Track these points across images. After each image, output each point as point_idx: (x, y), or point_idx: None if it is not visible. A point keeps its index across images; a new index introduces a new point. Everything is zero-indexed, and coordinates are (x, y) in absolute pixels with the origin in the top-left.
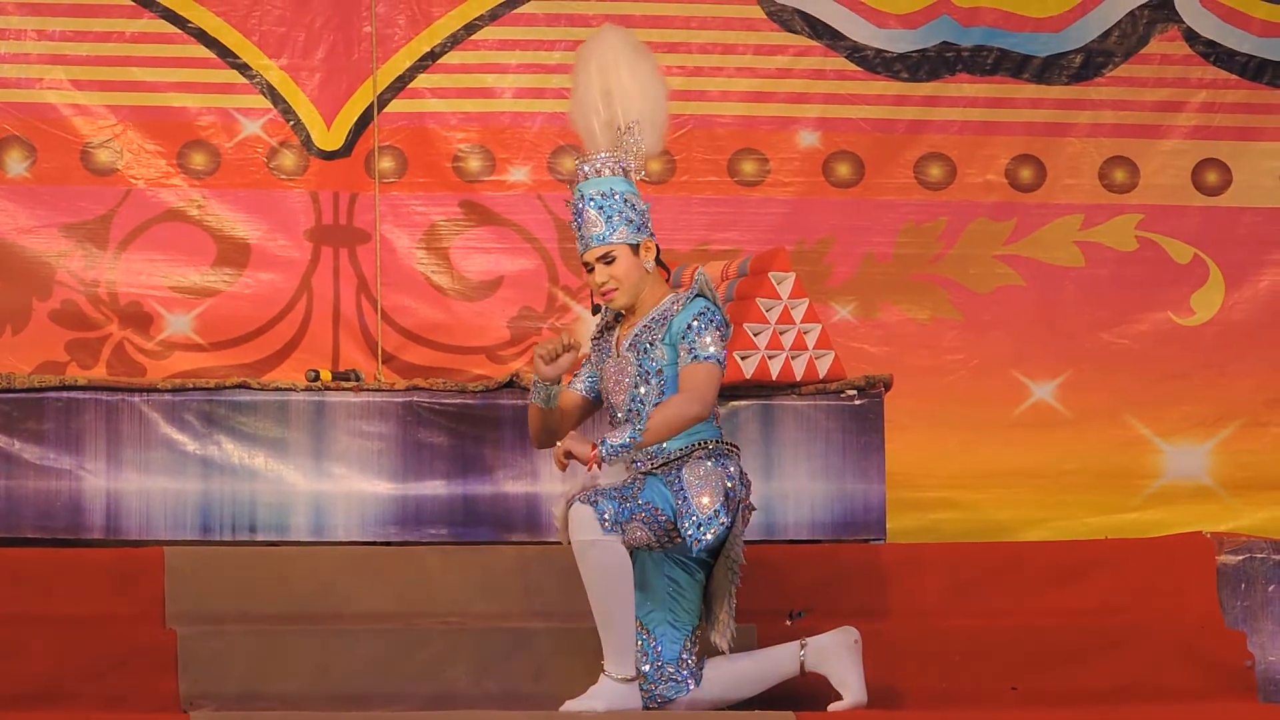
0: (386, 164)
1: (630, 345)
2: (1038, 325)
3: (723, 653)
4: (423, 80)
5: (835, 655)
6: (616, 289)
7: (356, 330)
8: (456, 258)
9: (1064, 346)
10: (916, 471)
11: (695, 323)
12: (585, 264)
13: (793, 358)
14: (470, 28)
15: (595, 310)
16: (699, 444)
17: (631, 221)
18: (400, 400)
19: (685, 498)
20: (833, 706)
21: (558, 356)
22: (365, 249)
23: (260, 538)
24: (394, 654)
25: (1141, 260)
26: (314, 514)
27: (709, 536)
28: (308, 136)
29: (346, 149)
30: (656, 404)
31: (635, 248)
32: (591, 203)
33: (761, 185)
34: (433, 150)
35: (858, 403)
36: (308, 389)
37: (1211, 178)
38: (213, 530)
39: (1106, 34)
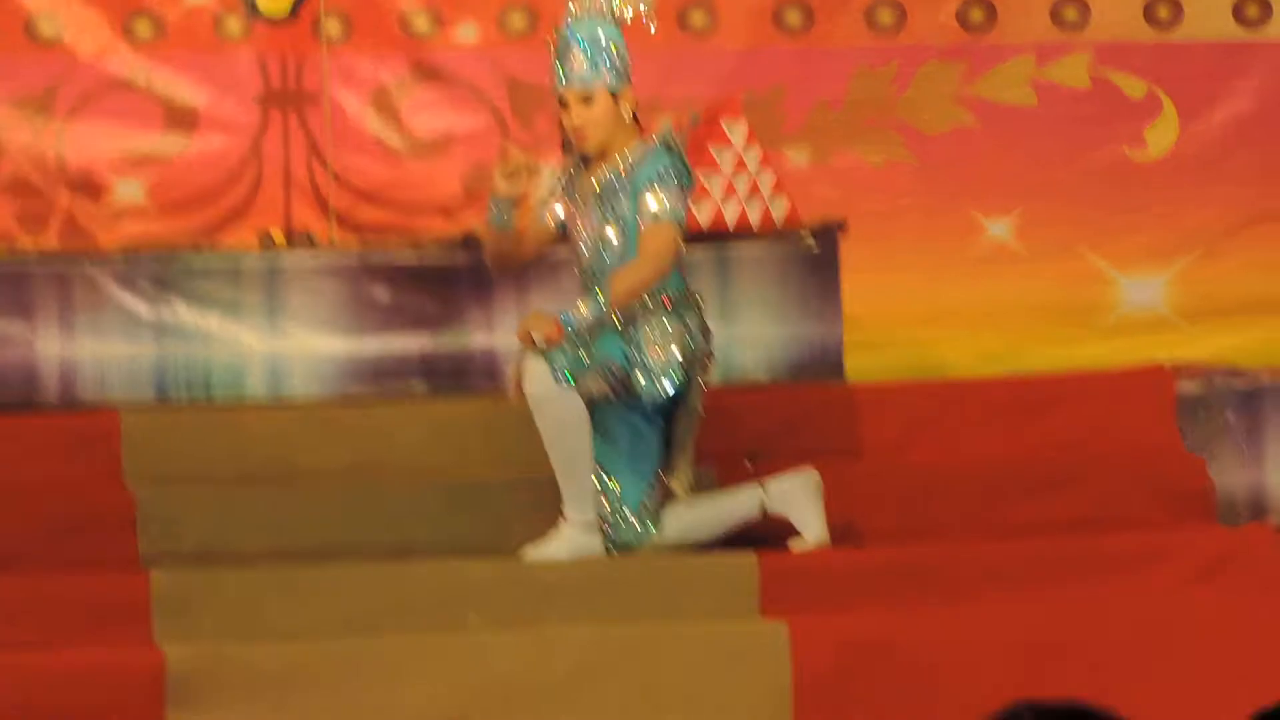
0: (333, 26)
1: (595, 197)
2: (992, 165)
3: (682, 497)
4: None
5: (796, 497)
6: (589, 133)
7: (308, 192)
8: (407, 117)
9: (1018, 185)
10: (873, 313)
11: (656, 180)
12: (561, 99)
13: (747, 204)
14: None
15: (564, 148)
16: (658, 295)
17: (616, 69)
18: (354, 259)
19: (641, 351)
20: (794, 546)
21: (515, 174)
22: (314, 111)
23: (217, 399)
24: (353, 508)
25: (1095, 97)
26: (270, 375)
27: (664, 391)
28: (253, 1)
29: (293, 11)
30: (619, 261)
31: (615, 96)
32: (579, 41)
33: (711, 36)
34: (379, 10)
35: (812, 247)
36: (261, 251)
37: (1163, 12)
38: (168, 393)
39: None
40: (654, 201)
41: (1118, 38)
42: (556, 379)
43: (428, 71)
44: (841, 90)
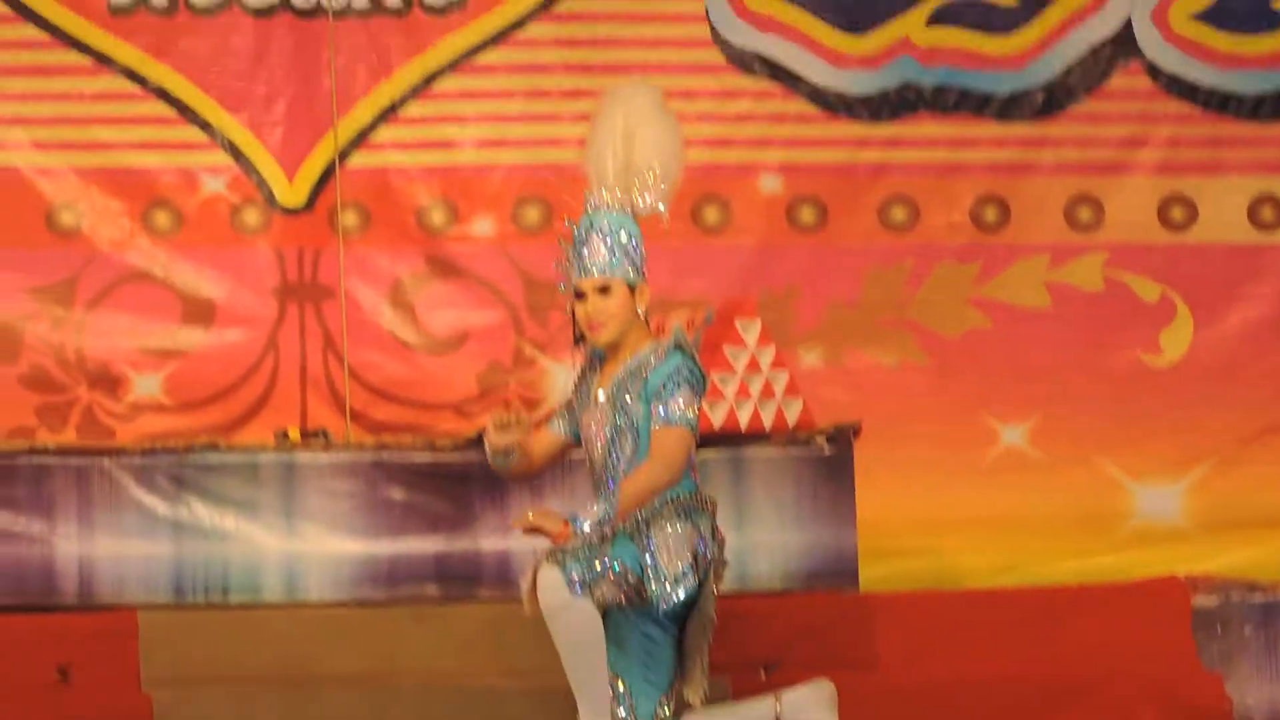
0: (350, 219)
1: (607, 397)
2: (1006, 368)
3: (696, 708)
4: (384, 133)
5: (811, 709)
6: (604, 324)
7: (324, 388)
8: (422, 312)
9: (1033, 389)
10: (888, 519)
11: (668, 382)
12: (577, 291)
13: (761, 406)
14: (429, 78)
15: (578, 340)
16: (670, 500)
17: (634, 263)
18: (369, 458)
19: (653, 556)
20: None
21: (508, 426)
22: (331, 305)
23: (233, 599)
24: (368, 713)
25: (1109, 300)
26: (286, 575)
27: (677, 597)
28: (270, 193)
29: (309, 204)
30: (630, 463)
31: (632, 289)
32: (599, 231)
33: (725, 232)
34: (396, 204)
35: (827, 452)
36: (277, 449)
37: (1177, 213)
38: (186, 593)
39: (1068, 70)
40: (666, 405)
41: (1131, 239)
42: (571, 589)
43: (443, 266)
44: (855, 289)
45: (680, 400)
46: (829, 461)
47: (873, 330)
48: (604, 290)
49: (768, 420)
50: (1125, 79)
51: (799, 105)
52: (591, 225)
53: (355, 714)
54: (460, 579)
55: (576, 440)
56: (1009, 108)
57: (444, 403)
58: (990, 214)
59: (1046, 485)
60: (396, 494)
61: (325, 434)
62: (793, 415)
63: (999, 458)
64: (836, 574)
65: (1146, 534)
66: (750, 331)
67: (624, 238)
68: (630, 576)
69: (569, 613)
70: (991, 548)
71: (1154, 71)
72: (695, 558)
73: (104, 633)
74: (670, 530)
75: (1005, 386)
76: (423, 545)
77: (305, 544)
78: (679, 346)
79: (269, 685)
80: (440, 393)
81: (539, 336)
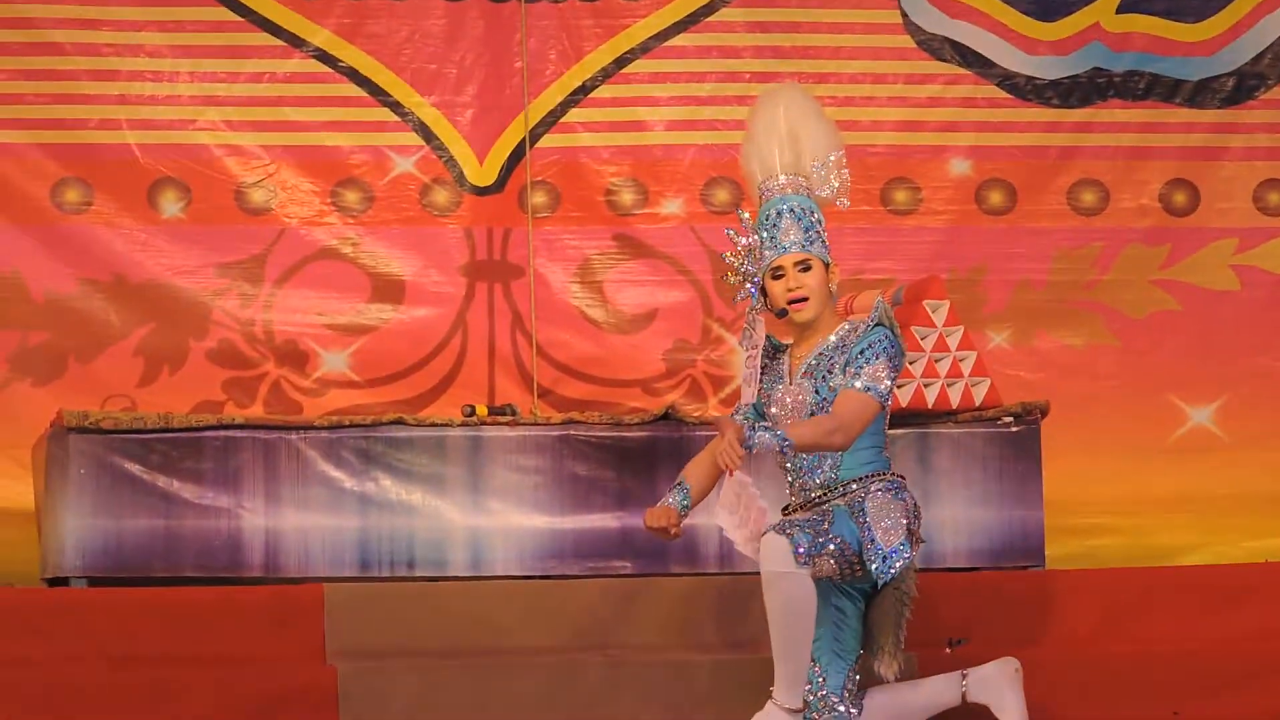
0: (539, 199)
1: (805, 372)
2: (1194, 350)
3: (884, 682)
4: (574, 115)
5: (997, 685)
6: (808, 298)
7: (512, 365)
8: (610, 291)
9: (1221, 371)
10: (1074, 498)
11: (868, 350)
12: (775, 269)
13: (948, 385)
14: (621, 61)
15: (780, 314)
16: (876, 474)
17: (824, 243)
18: (556, 434)
19: (870, 530)
20: None
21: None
22: (519, 284)
23: (419, 573)
24: (553, 687)
25: None
26: (472, 549)
27: (894, 569)
28: (460, 173)
29: (499, 185)
30: None
31: (826, 266)
32: (791, 213)
33: (914, 214)
34: (585, 184)
35: (1014, 430)
36: (464, 424)
37: None
38: (371, 566)
39: (1259, 57)
40: (860, 371)
41: None
42: (796, 558)
43: (632, 245)
44: (1044, 271)
45: (876, 369)
46: (1016, 440)
47: (1060, 311)
48: (804, 267)
49: (955, 400)
50: None
51: (989, 90)
52: (782, 207)
53: (540, 689)
54: (645, 554)
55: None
56: (1198, 93)
57: (631, 380)
58: (1179, 198)
59: (1233, 465)
60: (582, 470)
61: (512, 409)
62: (980, 395)
63: (1186, 438)
64: (1023, 551)
65: None
66: (939, 312)
67: (815, 218)
68: (850, 550)
69: (789, 581)
70: (1177, 527)
71: None
72: (909, 533)
73: (290, 605)
74: (884, 503)
75: (1192, 368)
76: (608, 521)
77: (491, 519)
78: (883, 320)
79: (453, 659)
80: (627, 370)
81: (726, 315)
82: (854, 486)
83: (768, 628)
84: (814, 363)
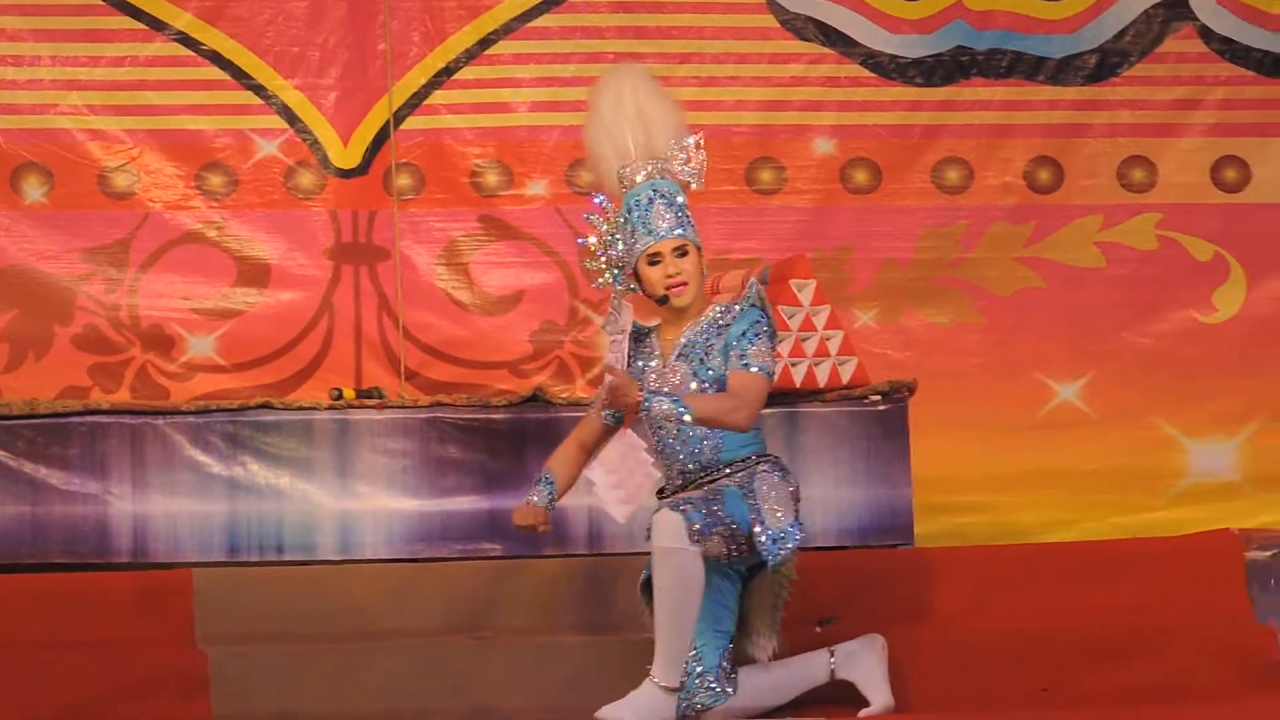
0: (404, 181)
1: (680, 354)
2: (1060, 327)
3: (754, 662)
4: (439, 96)
5: (863, 662)
6: (687, 283)
7: (379, 348)
8: (477, 273)
9: (1087, 347)
10: (942, 476)
11: (749, 331)
12: (653, 255)
13: (815, 365)
14: (485, 42)
15: (662, 301)
16: (756, 455)
17: (694, 227)
18: (424, 417)
19: (759, 511)
20: (863, 713)
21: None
22: (385, 266)
23: (288, 557)
24: (424, 670)
25: (1162, 259)
26: (341, 533)
27: (785, 551)
28: (325, 155)
29: (364, 167)
30: None
31: (699, 250)
32: (661, 197)
33: (779, 193)
34: (450, 166)
35: (882, 408)
36: (331, 408)
37: (1230, 175)
38: (240, 551)
39: (1121, 33)
40: (746, 352)
41: (1185, 199)
42: (691, 535)
43: (497, 227)
44: (909, 249)
45: (761, 349)
46: (884, 418)
47: (927, 290)
48: (681, 252)
49: (822, 379)
50: (1178, 42)
51: (852, 69)
52: (654, 191)
53: (410, 671)
54: (514, 536)
55: (619, 424)
56: (1062, 71)
57: (498, 362)
58: (1044, 175)
59: (1100, 442)
60: (450, 452)
61: (379, 392)
62: (848, 374)
63: (1053, 415)
64: (891, 530)
65: (1200, 490)
66: (805, 291)
67: (682, 202)
68: (739, 531)
69: (682, 557)
70: (1045, 504)
71: (1207, 34)
72: (797, 514)
73: (158, 590)
74: (773, 483)
75: (1059, 345)
76: (476, 503)
77: (359, 502)
78: (759, 300)
79: (323, 642)
80: (494, 352)
81: (593, 296)
82: (735, 467)
83: (636, 610)
84: (687, 344)
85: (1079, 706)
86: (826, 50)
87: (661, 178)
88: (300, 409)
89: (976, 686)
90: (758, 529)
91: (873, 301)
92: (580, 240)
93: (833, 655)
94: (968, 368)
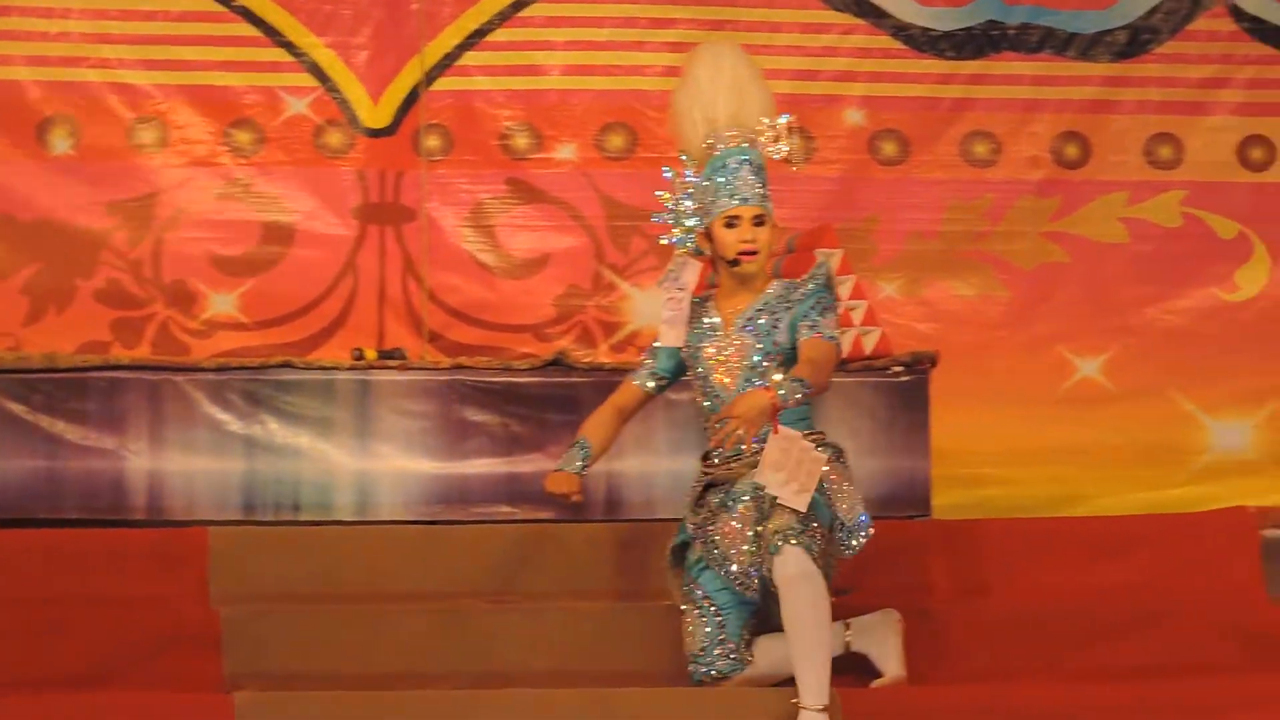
0: (433, 142)
1: (743, 326)
2: (1083, 302)
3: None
4: (470, 58)
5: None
6: (758, 252)
7: (402, 309)
8: (503, 236)
9: (1109, 323)
10: (962, 448)
11: (818, 304)
12: (731, 218)
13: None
14: (518, 4)
15: (732, 264)
16: (809, 433)
17: (772, 203)
18: (445, 378)
19: (832, 505)
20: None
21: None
22: (412, 227)
23: (304, 517)
24: (440, 633)
25: (1186, 236)
26: (358, 493)
27: (859, 543)
28: (354, 115)
29: (393, 127)
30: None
31: (773, 226)
32: (750, 165)
33: (808, 163)
34: (479, 128)
35: (903, 379)
36: (352, 367)
37: (1257, 154)
38: (256, 510)
39: (1152, 10)
40: (818, 323)
41: (1211, 178)
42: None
43: (525, 190)
44: (935, 222)
45: (830, 322)
46: (905, 389)
47: (952, 262)
48: (759, 221)
49: (845, 349)
50: (1208, 21)
51: (884, 41)
52: (742, 158)
53: (425, 634)
54: (532, 500)
55: (666, 386)
56: (1092, 47)
57: (522, 325)
58: (1071, 151)
59: (1120, 418)
60: (471, 415)
61: (401, 353)
62: (870, 344)
63: (1074, 389)
64: (909, 501)
65: (1218, 467)
66: (831, 261)
67: (766, 178)
68: (823, 531)
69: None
70: (1064, 478)
71: (1237, 14)
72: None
73: (173, 548)
74: (844, 477)
75: (1082, 319)
76: (495, 466)
77: (378, 463)
78: (826, 279)
79: (338, 603)
80: (518, 315)
81: (619, 261)
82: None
83: (657, 576)
84: (753, 316)
85: (1092, 681)
86: (858, 21)
87: (753, 147)
88: (321, 368)
89: (992, 660)
90: (836, 524)
91: (897, 273)
92: (658, 194)
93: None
94: (990, 341)
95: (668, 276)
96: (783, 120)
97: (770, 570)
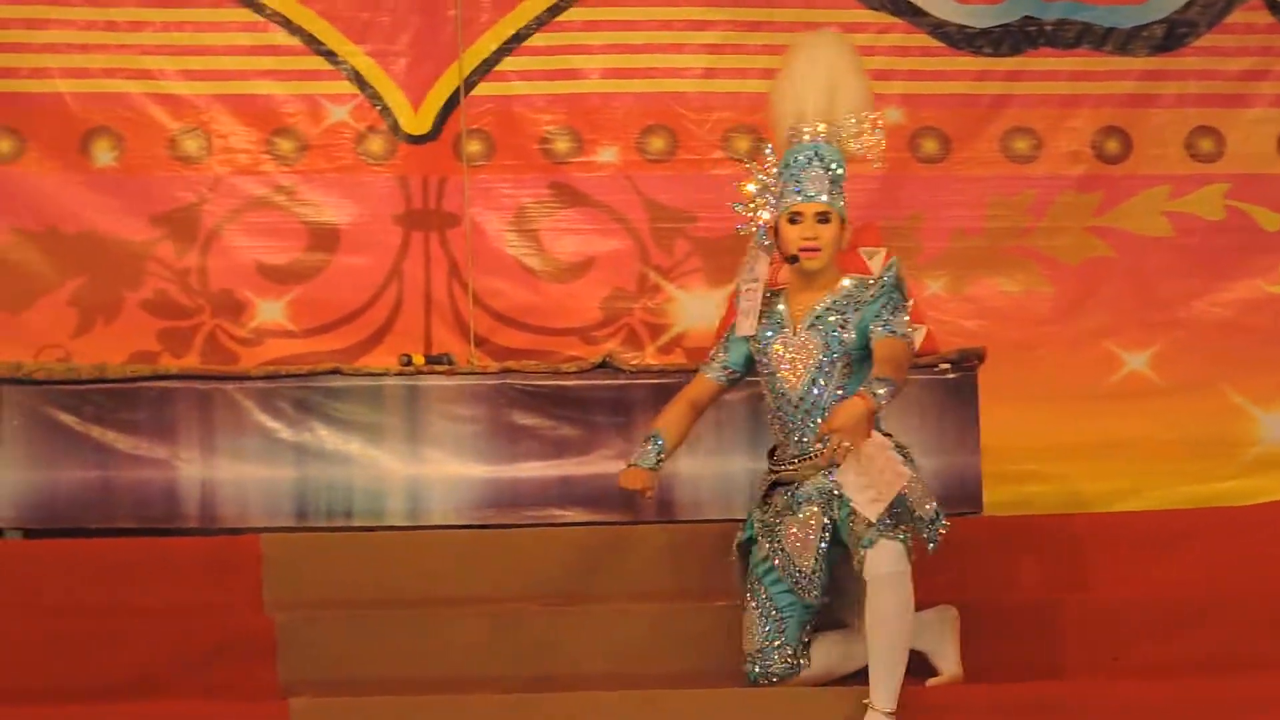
0: (475, 147)
1: (811, 324)
2: (1128, 296)
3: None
4: (509, 63)
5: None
6: (820, 250)
7: (448, 314)
8: (547, 239)
9: (1156, 316)
10: (1010, 445)
11: (890, 303)
12: (795, 214)
13: None
14: (555, 9)
15: (792, 260)
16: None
17: (844, 200)
18: (494, 383)
19: (908, 506)
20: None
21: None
22: (455, 232)
23: (356, 523)
24: (493, 637)
25: (1230, 229)
26: (410, 498)
27: (938, 539)
28: (395, 121)
29: (434, 133)
30: (841, 389)
31: (843, 222)
32: (820, 161)
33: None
34: (520, 132)
35: (951, 376)
36: (400, 373)
37: None
38: (308, 517)
39: (1189, 4)
40: (890, 322)
41: (1253, 170)
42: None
43: (567, 193)
44: (979, 218)
45: (905, 318)
46: (953, 386)
47: (996, 258)
48: (823, 218)
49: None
50: (1245, 14)
51: (921, 39)
52: (815, 154)
53: (479, 638)
54: (583, 502)
55: (739, 379)
56: (1129, 41)
57: (568, 329)
58: (1112, 145)
59: (1169, 411)
60: (520, 418)
61: (449, 359)
62: (917, 342)
63: (1122, 384)
64: (960, 498)
65: (1270, 459)
66: (875, 260)
67: (840, 173)
68: (911, 531)
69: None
70: (1114, 473)
71: (1273, 6)
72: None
73: (226, 556)
74: (916, 477)
75: (1128, 314)
76: (545, 469)
77: (428, 468)
78: (897, 279)
79: (391, 609)
80: (564, 319)
81: (663, 263)
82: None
83: (710, 576)
84: (821, 315)
85: (1148, 676)
86: (895, 20)
87: (828, 143)
88: (369, 375)
89: (1047, 657)
90: (919, 522)
91: (942, 270)
92: (739, 185)
93: None
94: (1037, 337)
95: (744, 267)
96: (868, 114)
97: (861, 564)
